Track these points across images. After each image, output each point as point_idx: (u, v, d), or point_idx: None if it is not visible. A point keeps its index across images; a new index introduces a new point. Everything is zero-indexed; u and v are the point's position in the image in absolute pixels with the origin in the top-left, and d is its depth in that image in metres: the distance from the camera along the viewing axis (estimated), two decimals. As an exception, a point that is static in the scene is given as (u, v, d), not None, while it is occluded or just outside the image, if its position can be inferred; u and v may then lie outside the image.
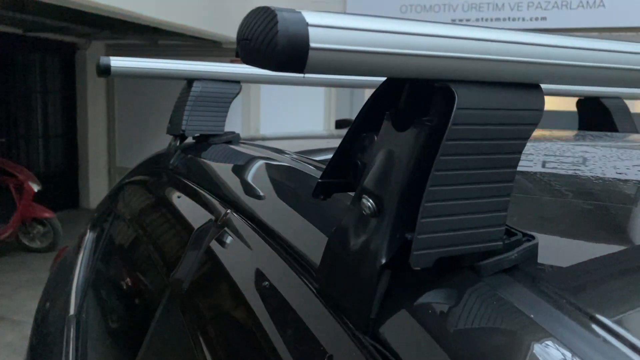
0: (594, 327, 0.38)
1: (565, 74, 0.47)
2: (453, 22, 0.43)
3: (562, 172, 0.87)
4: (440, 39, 0.40)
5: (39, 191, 5.59)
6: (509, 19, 6.61)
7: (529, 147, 1.07)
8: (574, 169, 0.89)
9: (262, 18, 0.37)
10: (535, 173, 0.84)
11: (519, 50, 0.43)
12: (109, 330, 1.27)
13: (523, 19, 6.56)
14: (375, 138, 0.51)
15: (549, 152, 1.04)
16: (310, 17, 0.37)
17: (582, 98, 1.76)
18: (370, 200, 0.46)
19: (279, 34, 0.35)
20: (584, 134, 1.47)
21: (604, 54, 0.47)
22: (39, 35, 6.97)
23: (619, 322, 0.39)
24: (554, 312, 0.40)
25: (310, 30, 0.36)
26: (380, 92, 0.50)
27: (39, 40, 7.09)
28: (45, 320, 1.72)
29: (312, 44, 0.36)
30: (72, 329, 1.42)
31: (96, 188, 7.86)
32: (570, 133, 1.58)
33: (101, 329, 1.30)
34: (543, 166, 0.92)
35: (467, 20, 6.59)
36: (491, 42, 0.42)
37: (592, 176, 0.82)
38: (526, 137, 0.45)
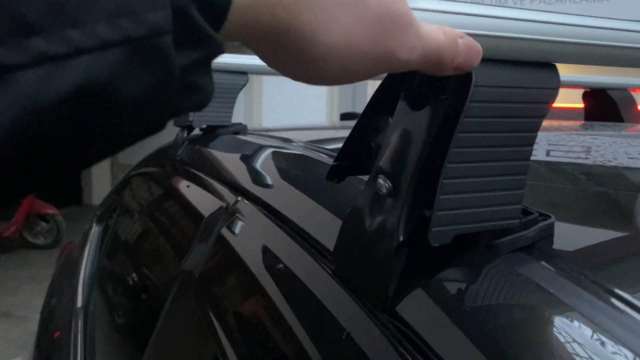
0: (615, 301, 0.38)
1: (581, 53, 0.47)
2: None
3: (577, 159, 0.87)
4: (458, 16, 0.41)
5: (42, 188, 5.59)
6: (511, 13, 6.60)
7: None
8: (586, 156, 0.89)
9: None
10: (550, 161, 0.84)
11: (535, 28, 0.43)
12: (118, 321, 1.27)
13: (525, 14, 6.55)
14: (390, 120, 0.51)
15: (565, 142, 1.04)
16: None
17: (588, 90, 1.76)
18: (387, 180, 0.46)
19: None
20: (592, 125, 1.47)
21: (619, 33, 0.47)
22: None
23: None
24: (573, 288, 0.40)
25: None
26: (395, 73, 0.50)
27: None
28: (52, 315, 1.73)
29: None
30: (79, 321, 1.42)
31: (99, 184, 7.87)
32: (576, 124, 1.58)
33: (110, 321, 1.31)
34: (561, 154, 0.92)
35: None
36: (508, 20, 0.42)
37: (604, 162, 0.82)
38: (542, 116, 0.45)
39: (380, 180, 0.47)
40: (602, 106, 1.71)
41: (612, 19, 0.47)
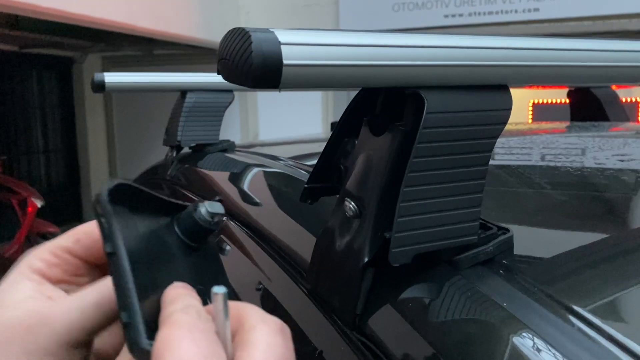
0: (566, 315, 0.41)
1: (530, 74, 0.49)
2: (419, 31, 0.45)
3: (542, 164, 0.90)
4: (408, 49, 0.43)
5: (42, 206, 5.62)
6: (501, 11, 6.59)
7: (517, 141, 1.09)
8: (556, 162, 0.91)
9: (238, 38, 0.39)
10: (513, 166, 0.86)
11: (482, 54, 0.46)
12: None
13: (516, 11, 6.54)
14: (356, 143, 0.54)
15: (529, 145, 1.06)
16: (283, 36, 0.39)
17: (572, 89, 1.78)
18: (352, 203, 0.49)
19: (253, 53, 0.38)
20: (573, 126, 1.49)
21: (566, 53, 0.50)
22: (35, 51, 7.01)
23: (591, 311, 0.41)
24: (526, 301, 0.42)
25: (283, 48, 0.39)
26: (358, 100, 0.53)
27: (36, 56, 7.14)
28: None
29: (286, 61, 0.39)
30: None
31: (99, 200, 7.88)
32: (562, 125, 1.60)
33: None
34: (528, 159, 0.95)
35: (460, 15, 6.58)
36: (455, 49, 0.45)
37: (567, 167, 0.84)
38: (495, 136, 0.48)
39: (347, 203, 0.49)
40: (586, 105, 1.74)
41: (556, 40, 0.50)
